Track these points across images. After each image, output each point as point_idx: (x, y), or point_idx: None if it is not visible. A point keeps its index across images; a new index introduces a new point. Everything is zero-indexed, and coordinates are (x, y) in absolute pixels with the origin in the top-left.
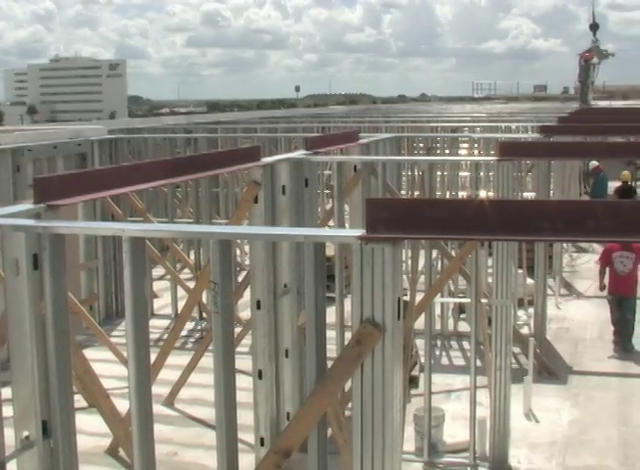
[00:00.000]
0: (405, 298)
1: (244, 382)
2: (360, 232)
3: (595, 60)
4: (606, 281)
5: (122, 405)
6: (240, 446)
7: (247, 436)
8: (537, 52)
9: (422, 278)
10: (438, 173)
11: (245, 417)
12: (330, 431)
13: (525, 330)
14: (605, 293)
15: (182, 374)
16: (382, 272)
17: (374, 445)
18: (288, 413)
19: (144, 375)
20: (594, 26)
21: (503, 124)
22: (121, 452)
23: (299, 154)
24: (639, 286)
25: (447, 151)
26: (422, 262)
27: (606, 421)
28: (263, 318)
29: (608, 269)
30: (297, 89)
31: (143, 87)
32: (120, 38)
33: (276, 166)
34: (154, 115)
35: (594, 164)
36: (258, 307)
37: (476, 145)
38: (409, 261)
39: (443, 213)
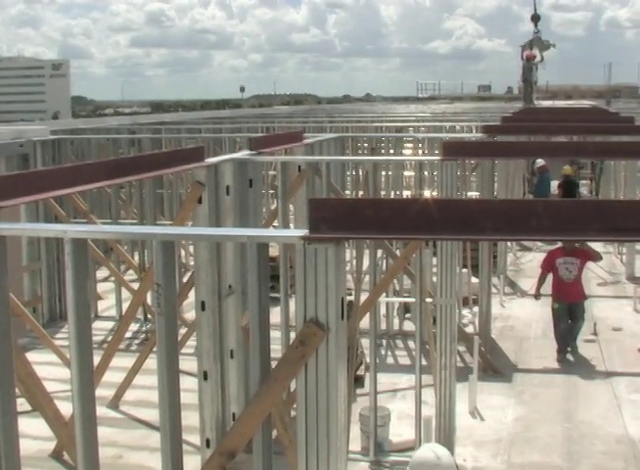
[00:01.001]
0: (350, 297)
1: (189, 383)
2: (303, 232)
3: (538, 58)
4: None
5: (66, 408)
6: (186, 447)
7: (193, 437)
8: (481, 52)
9: (367, 278)
10: (383, 173)
11: (191, 419)
12: (275, 431)
13: (469, 329)
14: (539, 297)
15: (127, 376)
16: (325, 272)
17: (319, 445)
18: (233, 414)
19: (87, 378)
20: (536, 18)
21: (447, 124)
22: (66, 456)
23: (244, 154)
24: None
25: (392, 151)
26: (367, 262)
27: (550, 418)
28: (208, 319)
29: (551, 276)
30: (242, 89)
31: (87, 87)
32: (64, 38)
33: (220, 167)
34: (97, 115)
35: (540, 162)
36: (203, 308)
37: (420, 145)
38: (354, 261)
39: (386, 213)
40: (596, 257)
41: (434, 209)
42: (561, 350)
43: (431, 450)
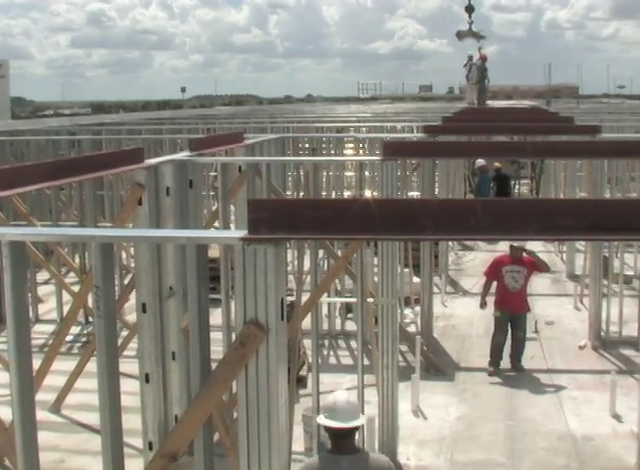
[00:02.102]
0: (292, 298)
1: (131, 386)
2: (242, 233)
3: (476, 56)
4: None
5: (6, 414)
6: (128, 450)
7: (135, 440)
8: (423, 52)
9: (309, 278)
10: (324, 173)
11: (133, 421)
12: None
13: (412, 328)
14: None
15: (68, 380)
16: (264, 273)
17: (260, 446)
18: (176, 416)
19: (27, 382)
20: (469, 9)
21: (388, 124)
22: (7, 462)
23: (184, 155)
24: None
25: (333, 151)
26: (309, 263)
27: (492, 416)
28: (149, 321)
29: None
30: (183, 90)
31: (26, 88)
32: (3, 38)
33: (160, 168)
34: (37, 116)
35: (480, 162)
36: (144, 310)
37: (361, 145)
38: (296, 262)
39: (326, 213)
40: (543, 267)
41: (374, 209)
42: (493, 362)
43: (332, 395)
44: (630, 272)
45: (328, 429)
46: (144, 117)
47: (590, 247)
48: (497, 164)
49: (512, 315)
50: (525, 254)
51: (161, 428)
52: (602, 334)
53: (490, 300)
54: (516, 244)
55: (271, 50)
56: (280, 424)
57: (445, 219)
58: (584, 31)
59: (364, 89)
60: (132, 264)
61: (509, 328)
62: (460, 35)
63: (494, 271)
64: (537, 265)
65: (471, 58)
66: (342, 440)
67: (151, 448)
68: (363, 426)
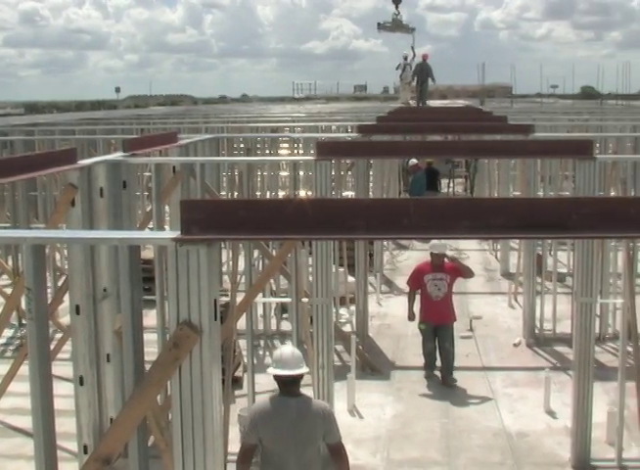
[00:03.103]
0: (227, 298)
1: (65, 389)
2: (175, 234)
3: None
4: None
5: None
6: (63, 454)
7: (70, 444)
8: (358, 52)
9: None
10: (259, 173)
11: (67, 425)
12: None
13: (347, 327)
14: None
15: (1, 383)
16: (197, 274)
17: (195, 447)
18: (111, 419)
19: None
20: (396, 0)
21: (323, 124)
22: None
23: (117, 156)
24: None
25: (268, 151)
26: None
27: (428, 414)
28: (83, 323)
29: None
30: (118, 90)
31: None
32: None
33: (93, 169)
34: None
35: (413, 162)
36: (78, 313)
37: (296, 145)
38: (231, 262)
39: (259, 214)
40: (467, 273)
41: (308, 208)
42: (427, 365)
43: (279, 348)
44: (564, 270)
45: (277, 377)
46: (78, 117)
47: (524, 245)
48: (428, 160)
49: (437, 326)
50: (447, 260)
51: (96, 431)
52: (536, 331)
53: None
54: (436, 250)
55: (206, 50)
56: (214, 425)
57: (378, 219)
58: (518, 32)
59: (299, 89)
60: (65, 266)
61: (436, 340)
62: (381, 27)
63: (416, 280)
64: (460, 271)
65: (405, 58)
66: (290, 386)
67: (86, 452)
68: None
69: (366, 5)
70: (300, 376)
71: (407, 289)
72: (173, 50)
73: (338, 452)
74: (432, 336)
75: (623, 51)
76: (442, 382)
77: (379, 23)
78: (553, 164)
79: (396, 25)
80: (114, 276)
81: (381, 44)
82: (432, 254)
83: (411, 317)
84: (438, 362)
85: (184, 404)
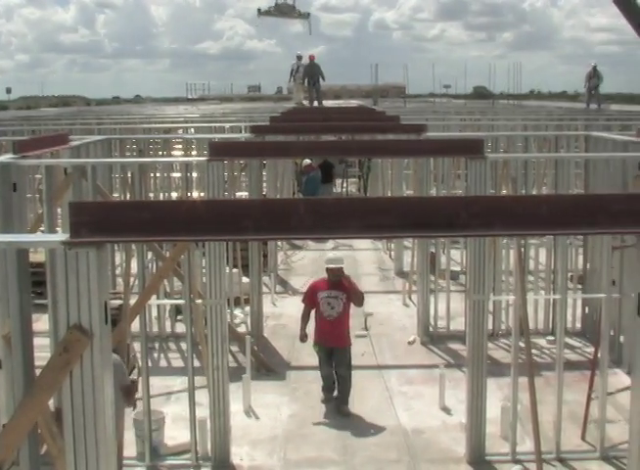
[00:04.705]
0: (120, 301)
1: None
2: (64, 237)
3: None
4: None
5: None
6: None
7: None
8: (252, 53)
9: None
10: (152, 175)
11: None
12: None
13: (242, 328)
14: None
15: None
16: (87, 277)
17: (87, 453)
18: (4, 425)
19: None
20: None
21: (216, 125)
22: None
23: (7, 158)
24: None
25: (161, 152)
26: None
27: (324, 413)
28: None
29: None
30: (9, 91)
31: None
32: None
33: None
34: None
35: (307, 162)
36: None
37: (190, 146)
38: (125, 264)
39: (150, 215)
40: (357, 299)
41: (199, 210)
42: (325, 388)
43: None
44: (457, 268)
45: None
46: None
47: (417, 244)
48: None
49: (330, 349)
50: (344, 277)
51: None
52: (430, 329)
53: None
54: (331, 265)
55: (99, 50)
56: (107, 430)
57: (268, 219)
58: (411, 32)
59: (193, 90)
60: None
61: (332, 364)
62: (262, 13)
63: (310, 298)
64: (351, 295)
65: (299, 58)
66: None
67: None
68: (195, 427)
69: (260, 5)
70: None
71: (301, 289)
72: (66, 50)
73: None
74: (327, 359)
75: (515, 52)
76: (337, 411)
77: (259, 9)
78: (446, 163)
79: (280, 11)
80: (3, 280)
81: (275, 44)
82: (327, 269)
83: (302, 338)
84: None
85: (76, 409)
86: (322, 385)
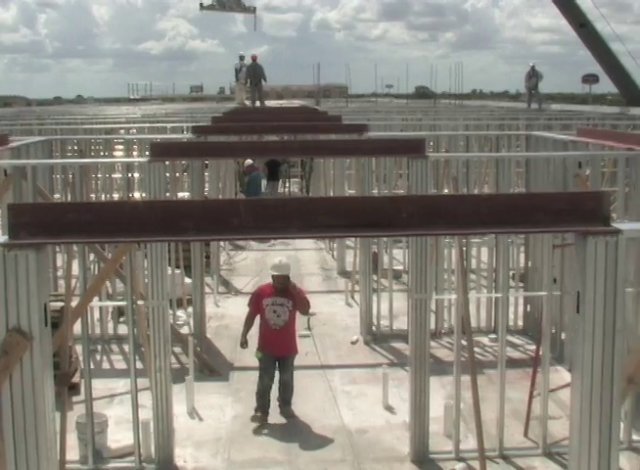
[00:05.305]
0: (62, 303)
1: None
2: (3, 239)
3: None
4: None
5: None
6: None
7: None
8: (194, 53)
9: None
10: (93, 176)
11: None
12: None
13: (185, 329)
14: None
15: None
16: (26, 279)
17: (28, 457)
18: None
19: None
20: None
21: (158, 125)
22: None
23: None
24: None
25: (102, 153)
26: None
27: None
28: None
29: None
30: None
31: None
32: None
33: None
34: None
35: (249, 162)
36: None
37: (134, 147)
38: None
39: (90, 216)
40: (302, 306)
41: (140, 210)
42: (259, 407)
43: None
44: (399, 267)
45: None
46: None
47: (360, 243)
48: None
49: (276, 357)
50: (291, 285)
51: None
52: (373, 328)
53: None
54: (276, 272)
55: (40, 50)
56: (48, 433)
57: (209, 220)
58: (354, 32)
59: (135, 90)
60: None
61: (277, 369)
62: (204, 7)
63: (255, 304)
64: (300, 303)
65: (242, 58)
66: None
67: None
68: (138, 429)
69: (202, 0)
70: None
71: (244, 289)
72: (6, 50)
73: None
74: (271, 368)
75: (457, 52)
76: (280, 412)
77: (201, 4)
78: (388, 163)
79: (223, 5)
80: None
81: (217, 44)
82: (273, 276)
83: (242, 344)
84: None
85: (16, 413)
86: (255, 406)
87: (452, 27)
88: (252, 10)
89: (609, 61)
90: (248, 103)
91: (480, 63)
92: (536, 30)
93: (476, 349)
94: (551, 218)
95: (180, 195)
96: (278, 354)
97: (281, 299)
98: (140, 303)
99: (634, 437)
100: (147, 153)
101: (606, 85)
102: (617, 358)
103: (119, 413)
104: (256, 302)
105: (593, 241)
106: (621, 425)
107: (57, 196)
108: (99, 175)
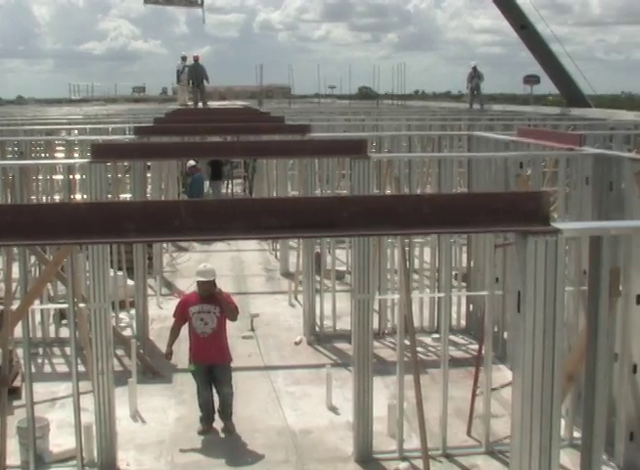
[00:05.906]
0: (1, 306)
1: None
2: None
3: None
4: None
5: None
6: None
7: None
8: (137, 53)
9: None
10: (34, 177)
11: None
12: None
13: (127, 331)
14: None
15: None
16: None
17: None
18: None
19: None
20: None
21: (100, 126)
22: None
23: None
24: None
25: (43, 154)
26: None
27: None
28: None
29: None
30: None
31: None
32: None
33: None
34: None
35: (191, 163)
36: None
37: (75, 147)
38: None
39: (28, 218)
40: (230, 313)
41: (80, 212)
42: (203, 418)
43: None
44: (342, 268)
45: None
46: None
47: (303, 244)
48: None
49: (209, 367)
50: (216, 291)
51: None
52: (316, 329)
53: None
54: (202, 278)
55: None
56: None
57: (149, 221)
58: (297, 33)
59: (76, 91)
60: None
61: (212, 383)
62: (148, 1)
63: (181, 312)
64: (227, 309)
65: (184, 58)
66: None
67: None
68: (81, 433)
69: (145, 6)
70: None
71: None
72: None
73: None
74: (206, 380)
75: (399, 52)
76: (222, 428)
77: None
78: (331, 164)
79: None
80: None
81: (160, 45)
82: (198, 282)
83: (167, 355)
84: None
85: None
86: (200, 415)
87: (395, 28)
88: (200, 3)
89: (549, 62)
90: (190, 104)
91: (422, 63)
92: (478, 31)
93: (419, 348)
94: (492, 218)
95: (122, 196)
96: (210, 362)
97: (207, 306)
98: (82, 305)
99: (575, 434)
100: (88, 154)
101: (547, 86)
102: (557, 357)
103: (61, 417)
104: (182, 310)
105: (533, 240)
106: (562, 422)
107: None
108: (40, 177)
